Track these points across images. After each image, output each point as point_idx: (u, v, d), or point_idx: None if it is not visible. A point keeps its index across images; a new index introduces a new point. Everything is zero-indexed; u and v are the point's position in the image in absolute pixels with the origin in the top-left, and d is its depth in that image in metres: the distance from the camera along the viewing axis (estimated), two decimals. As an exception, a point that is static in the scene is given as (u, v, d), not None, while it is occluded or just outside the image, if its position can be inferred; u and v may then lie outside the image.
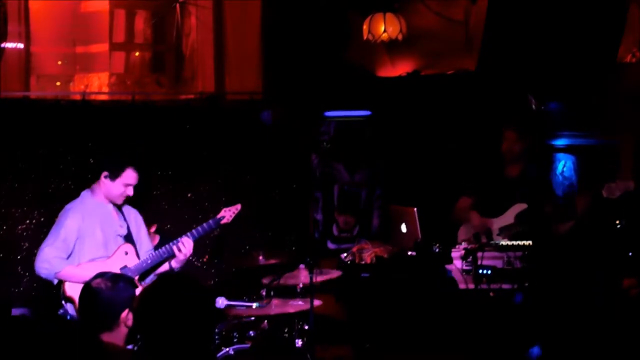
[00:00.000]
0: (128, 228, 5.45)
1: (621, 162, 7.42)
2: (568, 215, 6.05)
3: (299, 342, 5.80)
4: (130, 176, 5.32)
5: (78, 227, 5.24)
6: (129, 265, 5.29)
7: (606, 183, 5.85)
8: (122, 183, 5.31)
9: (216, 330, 5.69)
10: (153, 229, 6.24)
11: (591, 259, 5.66)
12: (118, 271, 5.11)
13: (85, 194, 5.41)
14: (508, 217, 6.38)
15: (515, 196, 6.39)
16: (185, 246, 5.36)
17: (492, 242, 6.07)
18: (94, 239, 5.27)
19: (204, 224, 5.54)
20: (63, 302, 5.18)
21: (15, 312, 6.56)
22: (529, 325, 5.54)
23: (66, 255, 5.20)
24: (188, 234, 5.44)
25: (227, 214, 5.63)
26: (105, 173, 5.31)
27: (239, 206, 5.66)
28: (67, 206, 5.38)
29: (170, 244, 5.40)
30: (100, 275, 3.80)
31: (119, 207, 5.45)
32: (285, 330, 5.93)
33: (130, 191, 5.35)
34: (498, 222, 6.42)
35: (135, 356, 3.56)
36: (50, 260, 5.15)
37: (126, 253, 5.33)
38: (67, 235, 5.21)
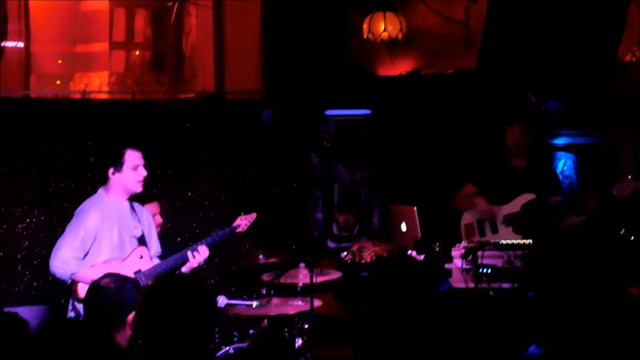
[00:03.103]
0: (142, 229, 5.34)
1: (621, 161, 7.43)
2: (574, 211, 6.05)
3: (298, 341, 5.81)
4: (132, 156, 5.19)
5: (97, 227, 5.12)
6: (142, 270, 5.17)
7: (618, 182, 5.84)
8: (129, 167, 5.17)
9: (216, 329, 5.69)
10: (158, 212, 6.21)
11: (598, 259, 5.63)
12: (132, 274, 5.04)
13: (101, 191, 5.26)
14: (515, 206, 6.37)
15: (522, 187, 6.39)
16: (200, 253, 5.29)
17: (492, 240, 6.07)
18: (110, 240, 5.16)
19: (220, 232, 5.45)
20: (75, 303, 5.07)
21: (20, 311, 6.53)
22: (530, 324, 5.53)
23: (83, 256, 5.08)
24: (203, 241, 5.35)
25: (243, 223, 5.56)
26: (110, 170, 5.18)
27: (254, 215, 5.59)
28: (86, 204, 5.24)
29: (185, 250, 5.31)
30: (109, 275, 3.79)
31: (131, 205, 5.32)
32: (285, 330, 5.93)
33: (142, 171, 5.19)
34: (504, 210, 6.41)
35: (135, 356, 3.56)
36: (68, 261, 5.02)
37: (141, 257, 5.20)
38: (86, 235, 5.09)
